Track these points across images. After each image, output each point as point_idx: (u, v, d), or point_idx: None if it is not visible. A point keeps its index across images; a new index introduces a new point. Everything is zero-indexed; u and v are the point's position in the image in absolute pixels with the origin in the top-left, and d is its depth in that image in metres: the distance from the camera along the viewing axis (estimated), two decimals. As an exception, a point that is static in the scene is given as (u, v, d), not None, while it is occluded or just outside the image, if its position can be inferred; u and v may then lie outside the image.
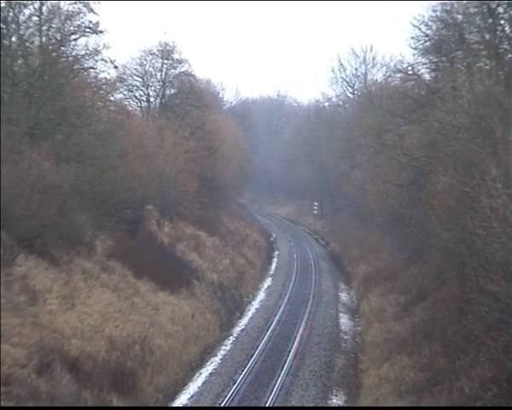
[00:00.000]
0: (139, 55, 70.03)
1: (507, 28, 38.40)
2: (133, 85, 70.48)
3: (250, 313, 49.34)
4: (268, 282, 62.34)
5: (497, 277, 21.74)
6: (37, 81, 40.01)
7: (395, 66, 67.17)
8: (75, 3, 41.31)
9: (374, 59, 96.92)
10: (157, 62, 70.48)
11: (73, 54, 42.92)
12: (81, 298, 32.82)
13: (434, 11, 42.65)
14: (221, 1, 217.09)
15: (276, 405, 30.77)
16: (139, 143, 50.00)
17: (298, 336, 41.80)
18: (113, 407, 26.55)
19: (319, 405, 31.56)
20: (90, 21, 41.62)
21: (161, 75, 70.66)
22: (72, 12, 41.45)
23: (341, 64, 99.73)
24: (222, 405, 30.39)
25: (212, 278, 51.55)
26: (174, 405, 30.78)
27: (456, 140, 32.73)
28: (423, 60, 45.20)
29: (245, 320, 47.18)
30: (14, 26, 40.15)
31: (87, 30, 41.77)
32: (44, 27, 41.27)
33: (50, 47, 41.40)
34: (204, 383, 33.76)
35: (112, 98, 51.44)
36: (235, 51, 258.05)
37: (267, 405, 30.53)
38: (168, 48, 69.53)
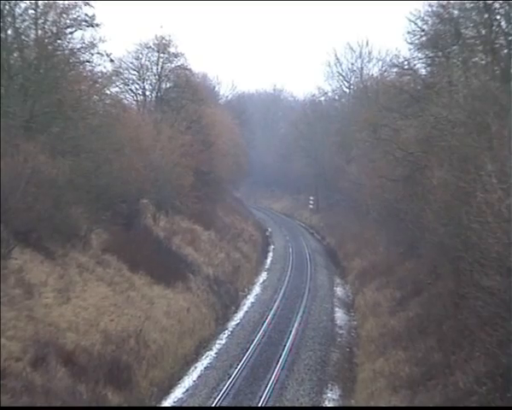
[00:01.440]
0: (135, 49, 69.83)
1: (503, 23, 38.44)
2: (129, 79, 70.28)
3: (245, 307, 49.34)
4: (263, 276, 62.33)
5: (493, 271, 21.78)
6: (33, 74, 39.94)
7: (391, 60, 66.93)
8: (71, -4, 41.29)
9: (370, 53, 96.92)
10: (153, 56, 70.30)
11: (69, 47, 42.83)
12: (76, 292, 32.84)
13: (430, 6, 42.72)
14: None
15: (271, 399, 30.78)
16: (135, 137, 49.92)
17: (293, 331, 41.84)
18: (109, 407, 26.57)
19: (314, 399, 31.58)
20: (86, 14, 41.54)
21: (157, 69, 70.48)
22: (68, 5, 41.39)
23: (337, 59, 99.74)
24: (217, 399, 30.38)
25: (207, 272, 51.57)
26: (169, 399, 30.79)
27: (451, 135, 32.74)
28: (419, 54, 45.23)
29: (240, 314, 47.19)
30: (9, 19, 40.04)
31: (83, 23, 41.67)
32: (40, 20, 41.12)
33: (46, 40, 41.31)
34: (199, 377, 33.78)
35: (108, 92, 51.33)
36: (231, 45, 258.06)
37: (262, 399, 30.53)
38: (164, 41, 69.36)
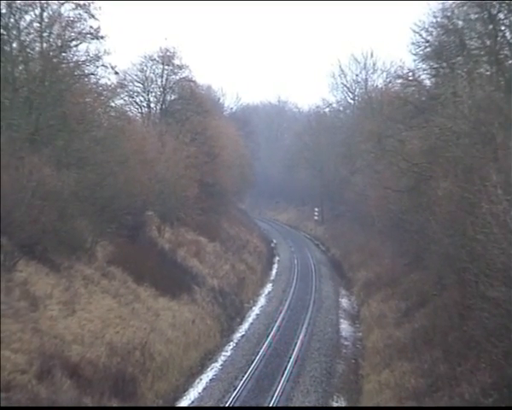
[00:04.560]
0: (140, 61, 70.17)
1: (507, 34, 38.54)
2: (134, 91, 70.59)
3: (250, 319, 49.26)
4: (268, 288, 62.25)
5: (498, 282, 21.77)
6: (38, 87, 40.03)
7: (395, 72, 67.29)
8: (76, 9, 41.41)
9: (374, 65, 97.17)
10: (158, 68, 70.59)
11: (74, 60, 42.99)
12: (81, 304, 32.81)
13: (435, 17, 42.87)
14: (221, 5, 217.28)
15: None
16: (140, 149, 49.96)
17: (298, 342, 41.75)
18: (111, 406, 26.54)
19: (320, 411, 31.59)
20: (91, 27, 41.71)
21: (162, 81, 70.74)
22: (73, 18, 41.55)
23: (342, 70, 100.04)
24: (222, 411, 30.42)
25: (212, 283, 51.53)
26: None
27: (456, 146, 32.76)
28: (424, 66, 45.45)
29: (245, 326, 47.10)
30: (14, 32, 40.23)
31: (88, 36, 41.83)
32: (45, 33, 41.32)
33: (51, 53, 41.46)
34: (204, 388, 33.68)
35: (112, 104, 51.42)
36: (236, 57, 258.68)
37: None
38: (169, 54, 69.64)
